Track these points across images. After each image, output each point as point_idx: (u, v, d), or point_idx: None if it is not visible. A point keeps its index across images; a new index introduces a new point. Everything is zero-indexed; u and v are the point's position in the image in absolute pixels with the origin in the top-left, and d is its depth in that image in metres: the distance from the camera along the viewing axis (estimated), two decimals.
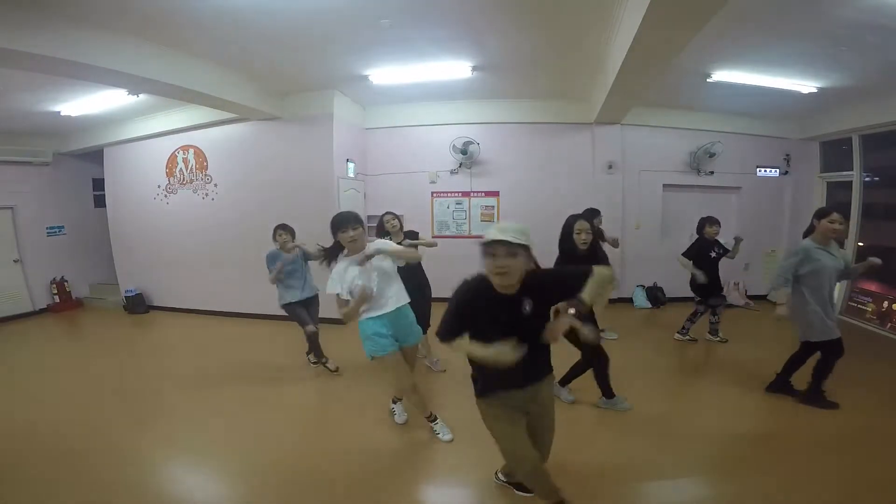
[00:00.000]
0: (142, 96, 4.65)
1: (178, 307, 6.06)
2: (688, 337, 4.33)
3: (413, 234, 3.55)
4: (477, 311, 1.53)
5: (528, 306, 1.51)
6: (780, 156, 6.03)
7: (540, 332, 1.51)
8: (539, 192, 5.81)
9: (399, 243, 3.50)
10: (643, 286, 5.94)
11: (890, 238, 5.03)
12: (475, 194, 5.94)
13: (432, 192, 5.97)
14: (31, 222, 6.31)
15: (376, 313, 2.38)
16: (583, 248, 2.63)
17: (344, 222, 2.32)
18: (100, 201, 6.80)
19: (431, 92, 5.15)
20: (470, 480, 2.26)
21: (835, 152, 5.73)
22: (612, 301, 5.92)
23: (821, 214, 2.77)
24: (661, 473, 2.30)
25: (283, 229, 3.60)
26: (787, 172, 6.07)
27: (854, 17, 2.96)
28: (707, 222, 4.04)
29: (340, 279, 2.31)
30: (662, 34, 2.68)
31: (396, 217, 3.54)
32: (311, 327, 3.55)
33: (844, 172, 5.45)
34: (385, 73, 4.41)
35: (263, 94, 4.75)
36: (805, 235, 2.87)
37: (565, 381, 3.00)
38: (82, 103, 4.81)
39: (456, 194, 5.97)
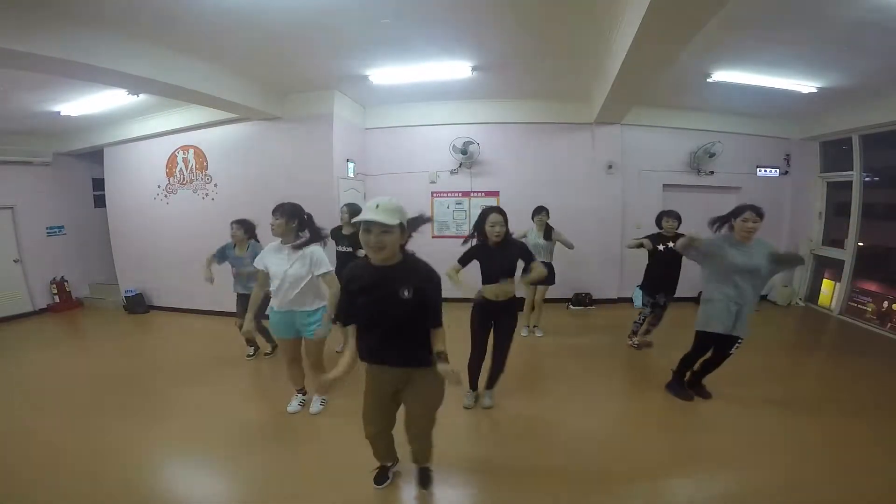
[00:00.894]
0: (142, 96, 4.65)
1: (178, 307, 6.06)
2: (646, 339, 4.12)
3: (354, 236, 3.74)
4: (360, 285, 1.71)
5: (406, 292, 1.64)
6: (780, 156, 6.03)
7: (413, 319, 1.69)
8: (539, 192, 5.78)
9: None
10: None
11: (890, 238, 5.03)
12: (475, 194, 5.93)
13: (432, 192, 5.97)
14: (31, 222, 6.30)
15: (274, 306, 2.71)
16: (495, 241, 2.69)
17: (273, 209, 2.63)
18: (100, 201, 6.79)
19: (431, 92, 5.15)
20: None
21: (835, 152, 5.73)
22: (612, 301, 5.93)
23: (736, 213, 2.74)
24: (649, 473, 2.30)
25: (237, 224, 3.80)
26: (787, 172, 6.08)
27: (854, 17, 2.96)
28: (664, 216, 3.88)
29: (262, 257, 2.70)
30: (662, 34, 2.68)
31: (349, 212, 3.84)
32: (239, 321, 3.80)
33: (844, 172, 5.45)
34: (385, 73, 4.40)
35: (263, 94, 4.75)
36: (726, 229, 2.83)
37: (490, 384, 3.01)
38: (82, 103, 4.81)
39: (456, 194, 5.97)
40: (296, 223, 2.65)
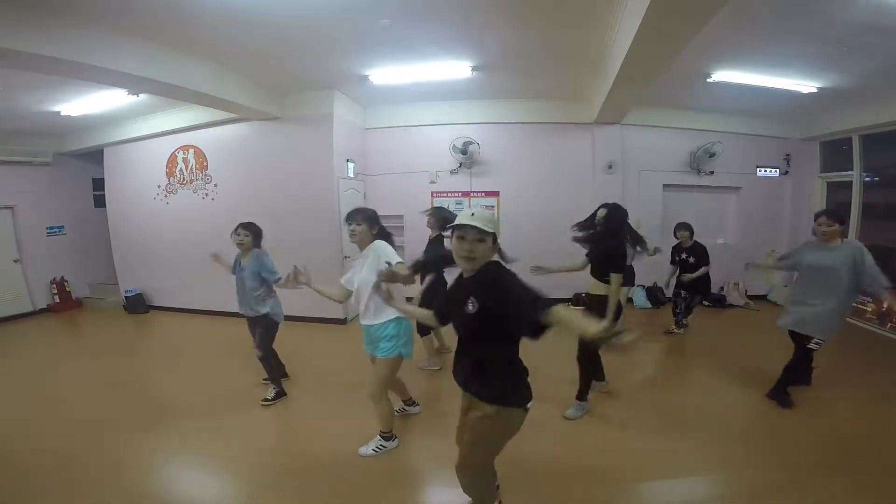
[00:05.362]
0: (142, 96, 4.65)
1: (178, 307, 6.06)
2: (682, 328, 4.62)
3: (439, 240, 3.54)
4: (449, 294, 1.65)
5: (471, 306, 1.45)
6: (780, 156, 6.03)
7: (479, 335, 1.51)
8: (539, 192, 5.82)
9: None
10: (643, 286, 5.94)
11: (890, 238, 5.02)
12: (475, 194, 5.93)
13: (432, 192, 5.96)
14: (31, 222, 6.31)
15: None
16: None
17: (347, 215, 2.35)
18: (100, 201, 6.79)
19: (431, 92, 5.15)
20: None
21: (835, 152, 5.72)
22: None
23: (814, 217, 2.87)
24: (655, 473, 2.30)
25: (245, 228, 3.09)
26: (787, 172, 6.08)
27: (854, 18, 2.96)
28: (677, 229, 4.52)
29: (352, 274, 2.40)
30: (662, 34, 2.68)
31: (433, 216, 3.56)
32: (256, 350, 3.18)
33: (844, 172, 5.45)
34: (385, 73, 4.40)
35: (263, 94, 4.74)
36: None
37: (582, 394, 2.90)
38: (82, 103, 4.81)
39: (456, 194, 5.97)
40: (377, 230, 2.36)
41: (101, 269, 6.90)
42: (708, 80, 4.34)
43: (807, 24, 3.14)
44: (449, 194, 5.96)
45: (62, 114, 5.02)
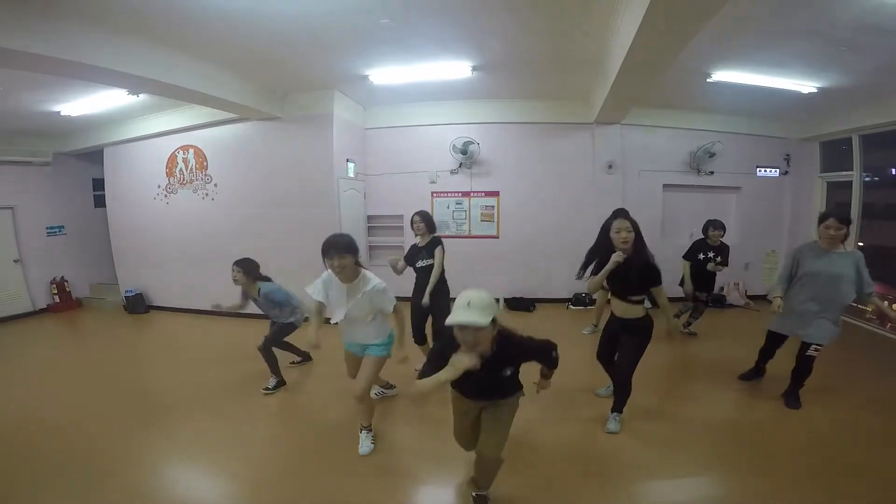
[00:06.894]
0: (142, 96, 4.65)
1: (178, 307, 6.06)
2: (688, 330, 4.52)
3: (436, 241, 3.46)
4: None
5: (508, 371, 1.82)
6: (780, 156, 6.03)
7: (510, 380, 1.87)
8: (539, 192, 5.82)
9: (423, 247, 3.46)
10: None
11: (890, 238, 5.02)
12: (475, 194, 5.94)
13: (432, 192, 5.97)
14: (31, 222, 6.31)
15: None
16: (624, 247, 2.46)
17: (327, 249, 2.25)
18: (100, 201, 6.79)
19: (431, 92, 5.15)
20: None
21: (835, 152, 5.73)
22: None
23: (820, 219, 2.79)
24: (651, 473, 2.30)
25: (237, 265, 3.24)
26: (787, 172, 6.08)
27: (854, 18, 2.96)
28: (711, 226, 4.15)
29: (323, 287, 2.41)
30: (662, 34, 2.68)
31: (423, 220, 3.43)
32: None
33: (844, 172, 5.45)
34: (385, 73, 4.40)
35: (263, 94, 4.75)
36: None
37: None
38: (82, 103, 4.81)
39: (456, 194, 5.97)
40: (357, 258, 2.37)
41: (101, 269, 6.90)
42: (708, 80, 4.34)
43: (807, 24, 3.14)
44: (449, 194, 5.97)
45: (62, 114, 5.02)
